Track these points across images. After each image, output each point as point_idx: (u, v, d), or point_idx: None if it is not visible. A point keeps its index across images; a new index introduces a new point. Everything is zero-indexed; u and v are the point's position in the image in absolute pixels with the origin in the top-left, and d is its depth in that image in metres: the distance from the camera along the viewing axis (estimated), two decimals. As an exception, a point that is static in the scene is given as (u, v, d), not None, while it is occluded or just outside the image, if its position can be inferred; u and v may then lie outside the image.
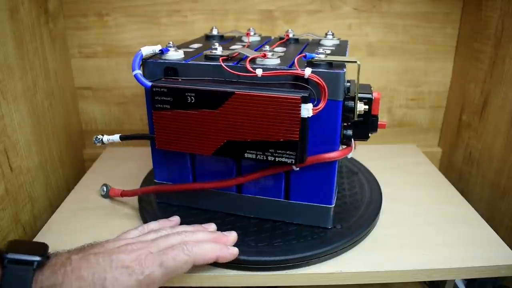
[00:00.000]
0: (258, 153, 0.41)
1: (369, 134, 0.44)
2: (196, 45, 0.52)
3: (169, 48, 0.45)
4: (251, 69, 0.39)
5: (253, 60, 0.42)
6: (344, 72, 0.39)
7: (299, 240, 0.45)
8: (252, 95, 0.39)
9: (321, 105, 0.39)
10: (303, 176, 0.45)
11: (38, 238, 0.48)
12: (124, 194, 0.53)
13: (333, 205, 0.46)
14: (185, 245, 0.37)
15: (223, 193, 0.49)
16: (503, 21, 0.58)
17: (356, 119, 0.42)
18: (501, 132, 0.59)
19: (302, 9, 0.67)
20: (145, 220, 0.49)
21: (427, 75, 0.72)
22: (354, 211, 0.50)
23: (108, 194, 0.55)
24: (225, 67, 0.41)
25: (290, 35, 0.56)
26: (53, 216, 0.52)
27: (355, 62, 0.39)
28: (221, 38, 0.58)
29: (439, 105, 0.75)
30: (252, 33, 0.56)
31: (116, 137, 0.48)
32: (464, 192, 0.62)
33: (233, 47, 0.50)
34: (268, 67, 0.41)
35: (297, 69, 0.39)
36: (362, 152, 0.61)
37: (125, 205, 0.54)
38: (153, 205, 0.52)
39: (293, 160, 0.40)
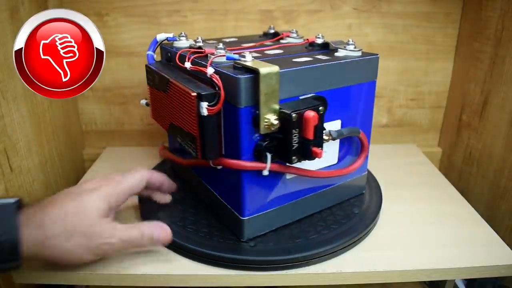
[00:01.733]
0: (180, 138, 0.44)
1: (294, 158, 0.39)
2: (229, 40, 0.56)
3: (177, 38, 0.50)
4: (186, 61, 0.43)
5: (208, 55, 0.43)
6: (245, 78, 0.37)
7: (206, 236, 0.45)
8: (173, 83, 0.42)
9: (216, 107, 0.38)
10: (224, 177, 0.45)
11: (38, 238, 0.48)
12: (161, 152, 0.61)
13: (245, 218, 0.43)
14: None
15: (193, 174, 0.53)
16: (503, 21, 0.58)
17: (262, 132, 0.38)
18: (501, 132, 0.59)
19: (302, 9, 0.67)
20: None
21: (427, 75, 0.72)
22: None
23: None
24: (177, 59, 0.45)
25: (318, 41, 0.50)
26: (53, 216, 0.52)
27: (257, 71, 0.36)
28: (274, 35, 0.57)
29: (439, 105, 0.75)
30: (294, 35, 0.55)
31: (143, 102, 0.54)
32: (464, 192, 0.62)
33: (244, 44, 0.51)
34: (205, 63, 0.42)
35: (206, 68, 0.39)
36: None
37: (124, 204, 0.54)
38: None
39: (195, 154, 0.41)
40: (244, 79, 0.37)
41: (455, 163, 0.72)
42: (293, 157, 0.39)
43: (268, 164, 0.41)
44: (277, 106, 0.38)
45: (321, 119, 0.39)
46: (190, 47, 0.47)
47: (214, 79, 0.38)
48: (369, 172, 0.60)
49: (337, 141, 0.47)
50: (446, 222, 0.51)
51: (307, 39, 0.52)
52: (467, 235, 0.48)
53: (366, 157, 0.51)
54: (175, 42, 0.50)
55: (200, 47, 0.45)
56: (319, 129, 0.39)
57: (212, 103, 0.38)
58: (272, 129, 0.38)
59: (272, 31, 0.58)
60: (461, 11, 0.68)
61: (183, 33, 0.51)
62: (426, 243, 0.47)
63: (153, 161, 0.65)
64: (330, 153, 0.47)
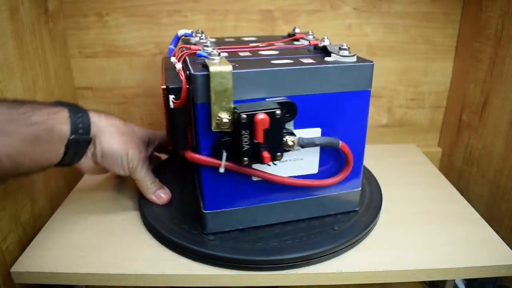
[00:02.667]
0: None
1: (244, 159, 0.39)
2: (248, 38, 0.58)
3: (193, 34, 0.54)
4: (172, 56, 0.45)
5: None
6: (201, 75, 0.37)
7: (178, 223, 0.47)
8: (163, 76, 0.44)
9: (179, 100, 0.40)
10: (198, 170, 0.46)
11: (38, 238, 0.48)
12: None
13: (207, 211, 0.44)
14: None
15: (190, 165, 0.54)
16: (503, 21, 0.58)
17: (213, 130, 0.39)
18: (501, 132, 0.59)
19: (302, 9, 0.67)
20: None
21: (427, 75, 0.72)
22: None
23: None
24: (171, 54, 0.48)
25: (323, 43, 0.47)
26: (53, 216, 0.53)
27: (208, 71, 0.37)
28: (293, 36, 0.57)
29: (439, 105, 0.75)
30: (310, 37, 0.53)
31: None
32: (464, 192, 0.62)
33: (251, 44, 0.52)
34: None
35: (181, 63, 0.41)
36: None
37: (124, 205, 0.54)
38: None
39: (168, 144, 0.44)
40: (199, 76, 0.38)
41: (455, 163, 0.72)
42: (244, 158, 0.39)
43: (223, 162, 0.40)
44: (231, 105, 0.38)
45: (276, 124, 0.38)
46: (195, 43, 0.48)
47: (179, 74, 0.40)
48: (369, 172, 0.60)
49: (317, 150, 0.44)
50: (446, 222, 0.51)
51: (309, 42, 0.52)
52: (467, 235, 0.48)
53: (356, 173, 0.47)
54: (191, 38, 0.53)
55: (194, 43, 0.47)
56: (273, 133, 0.38)
57: (177, 96, 0.40)
58: (223, 127, 0.38)
59: (297, 30, 0.57)
60: (461, 11, 0.68)
61: (200, 30, 0.55)
62: (426, 243, 0.47)
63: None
64: (306, 161, 0.45)
